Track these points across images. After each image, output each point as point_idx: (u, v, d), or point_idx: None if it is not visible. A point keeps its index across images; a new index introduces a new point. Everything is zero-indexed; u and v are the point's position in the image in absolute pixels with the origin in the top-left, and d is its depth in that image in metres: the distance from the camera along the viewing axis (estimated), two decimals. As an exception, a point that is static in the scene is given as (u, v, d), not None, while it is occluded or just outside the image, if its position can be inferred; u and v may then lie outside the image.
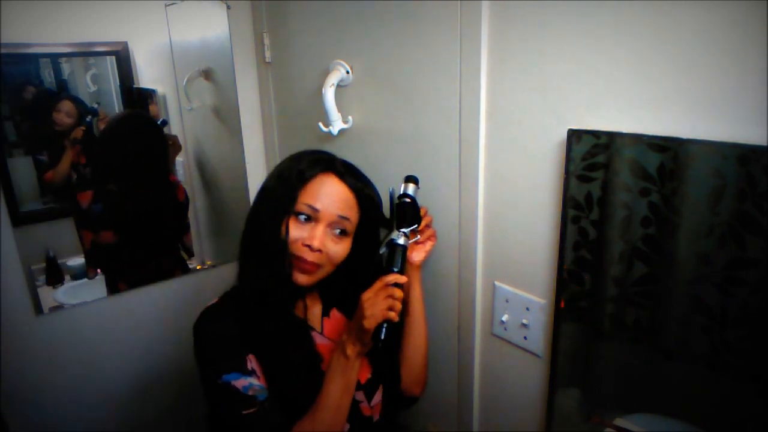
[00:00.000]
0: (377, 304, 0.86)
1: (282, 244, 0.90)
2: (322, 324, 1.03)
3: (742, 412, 0.74)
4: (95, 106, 1.48)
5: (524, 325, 1.01)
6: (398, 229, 0.98)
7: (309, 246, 0.90)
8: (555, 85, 0.86)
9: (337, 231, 0.93)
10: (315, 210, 0.90)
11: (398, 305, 0.87)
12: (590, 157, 0.82)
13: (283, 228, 0.90)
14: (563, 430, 0.97)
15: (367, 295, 0.88)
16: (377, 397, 1.04)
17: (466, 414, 1.19)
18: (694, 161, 0.70)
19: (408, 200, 1.00)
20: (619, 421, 0.87)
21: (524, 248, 0.99)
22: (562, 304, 0.91)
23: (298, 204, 0.91)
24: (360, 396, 1.00)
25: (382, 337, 0.86)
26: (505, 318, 1.05)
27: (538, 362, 1.02)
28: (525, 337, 1.02)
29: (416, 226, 1.00)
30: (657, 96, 0.74)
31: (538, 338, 1.00)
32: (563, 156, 0.85)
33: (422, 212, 1.04)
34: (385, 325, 0.87)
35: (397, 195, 1.02)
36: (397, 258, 0.94)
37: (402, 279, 0.90)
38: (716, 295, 0.71)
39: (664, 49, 0.72)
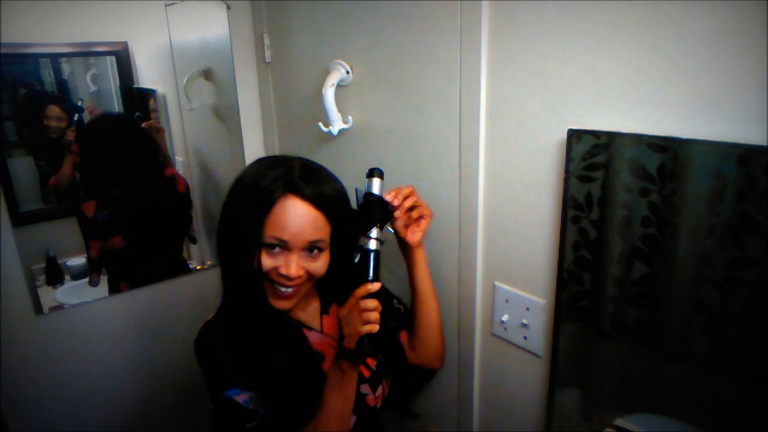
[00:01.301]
0: (352, 322, 0.85)
1: (255, 275, 0.87)
2: (321, 322, 1.03)
3: (742, 412, 0.73)
4: (79, 102, 1.47)
5: (524, 325, 1.01)
6: (366, 232, 0.91)
7: (285, 276, 0.87)
8: (555, 85, 0.86)
9: (312, 252, 0.89)
10: (283, 241, 0.86)
11: (373, 316, 0.84)
12: (590, 157, 0.82)
13: (255, 261, 0.86)
14: (563, 430, 0.97)
15: (343, 313, 0.87)
16: (382, 388, 1.05)
17: (466, 414, 1.19)
18: (694, 161, 0.70)
19: (372, 198, 0.94)
20: (619, 421, 0.87)
21: (524, 248, 0.99)
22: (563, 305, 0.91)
23: (266, 237, 0.86)
24: (365, 389, 1.01)
25: (364, 352, 0.85)
26: (505, 318, 1.05)
27: (538, 362, 1.02)
28: (525, 337, 1.02)
29: (384, 223, 0.94)
30: (657, 96, 0.74)
31: (538, 338, 1.00)
32: (563, 156, 0.85)
33: (407, 192, 0.98)
34: (365, 340, 0.84)
35: (362, 194, 0.96)
36: (368, 266, 0.89)
37: (374, 288, 0.86)
38: (716, 295, 0.71)
39: (664, 49, 0.72)
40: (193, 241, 1.76)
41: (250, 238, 0.86)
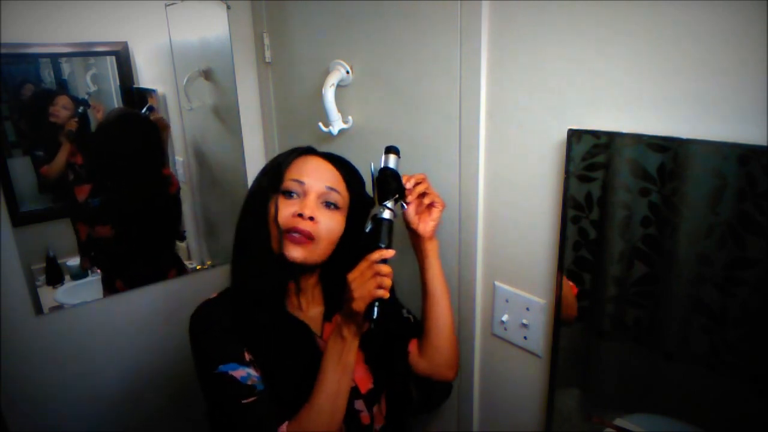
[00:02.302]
0: (364, 284, 0.83)
1: (267, 221, 0.91)
2: (323, 328, 1.01)
3: (742, 412, 0.74)
4: (86, 97, 1.47)
5: (524, 325, 1.01)
6: (381, 203, 0.93)
7: (301, 215, 0.89)
8: (555, 85, 0.86)
9: (327, 203, 0.93)
10: (301, 183, 0.92)
11: (387, 281, 0.83)
12: (590, 157, 0.82)
13: (272, 207, 0.91)
14: (563, 430, 0.97)
15: (353, 276, 0.85)
16: (378, 407, 1.02)
17: (466, 414, 1.19)
18: (694, 161, 0.70)
19: (388, 171, 0.96)
20: (619, 421, 0.87)
21: (524, 248, 0.99)
22: (564, 307, 0.91)
23: (285, 181, 0.92)
24: (360, 405, 0.98)
25: (374, 316, 0.83)
26: (505, 318, 1.05)
27: (538, 362, 1.02)
28: (525, 337, 1.02)
29: (400, 197, 0.96)
30: (657, 96, 0.74)
31: (538, 338, 1.00)
32: (563, 156, 0.86)
33: (420, 178, 1.00)
34: (376, 304, 0.83)
35: (378, 169, 0.98)
36: (383, 233, 0.89)
37: (388, 254, 0.86)
38: (716, 295, 0.71)
39: (664, 49, 0.72)
40: (181, 238, 1.76)
41: (271, 187, 0.93)
